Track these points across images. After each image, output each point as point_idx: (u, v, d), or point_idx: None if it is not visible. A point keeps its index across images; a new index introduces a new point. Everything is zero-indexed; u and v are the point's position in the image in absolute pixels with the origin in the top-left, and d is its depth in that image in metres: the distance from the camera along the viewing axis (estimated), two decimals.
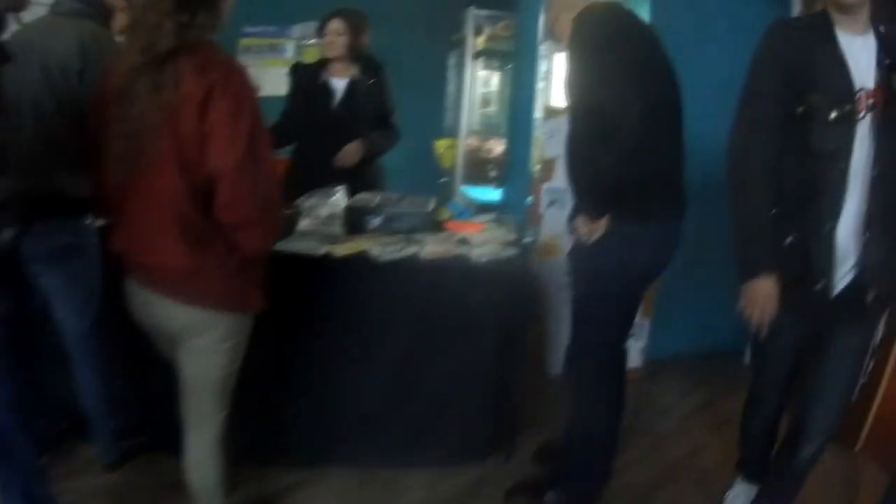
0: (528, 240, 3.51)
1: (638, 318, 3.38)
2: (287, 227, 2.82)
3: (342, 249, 2.79)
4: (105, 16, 2.59)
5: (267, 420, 2.73)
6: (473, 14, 5.75)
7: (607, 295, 2.52)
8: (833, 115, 2.09)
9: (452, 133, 5.93)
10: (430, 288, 2.74)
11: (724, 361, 4.49)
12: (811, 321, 2.34)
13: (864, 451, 3.51)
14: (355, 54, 3.82)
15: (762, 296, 2.19)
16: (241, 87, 1.99)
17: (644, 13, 3.65)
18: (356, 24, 3.80)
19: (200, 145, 1.95)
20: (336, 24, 3.77)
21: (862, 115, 2.09)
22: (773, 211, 2.19)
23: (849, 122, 2.10)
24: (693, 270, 4.08)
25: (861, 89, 2.10)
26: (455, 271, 2.76)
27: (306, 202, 3.17)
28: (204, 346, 2.18)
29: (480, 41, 5.79)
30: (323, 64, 3.88)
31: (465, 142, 5.81)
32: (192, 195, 2.00)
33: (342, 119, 3.77)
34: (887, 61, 2.11)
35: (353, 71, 3.82)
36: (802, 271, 2.20)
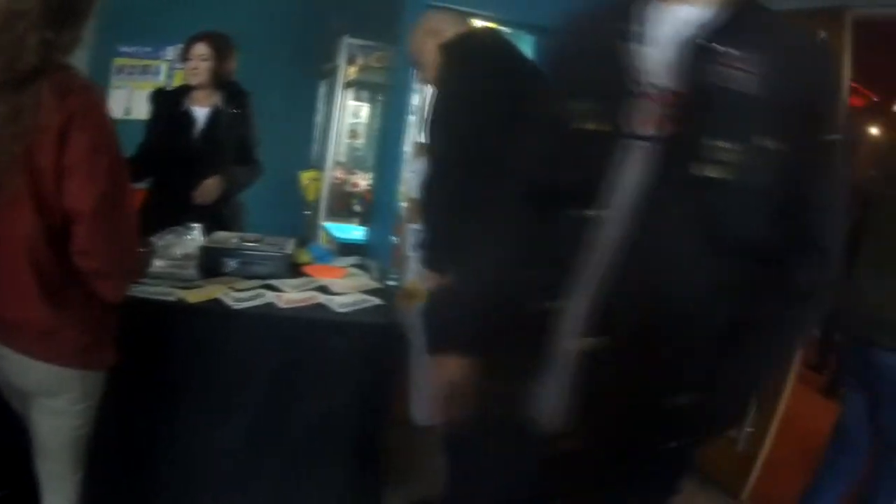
0: (392, 283, 3.45)
1: None
2: (140, 269, 2.67)
3: (195, 295, 2.65)
4: None
5: (124, 480, 2.54)
6: (348, 43, 5.69)
7: None
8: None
9: (319, 165, 5.83)
10: (288, 338, 2.61)
11: None
12: None
13: (750, 501, 3.65)
14: (220, 81, 3.65)
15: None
16: (102, 117, 1.83)
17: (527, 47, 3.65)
18: (221, 49, 3.63)
19: (57, 182, 1.78)
20: (200, 49, 3.58)
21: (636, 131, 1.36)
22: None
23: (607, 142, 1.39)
24: None
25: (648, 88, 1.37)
26: (314, 321, 2.65)
27: (160, 241, 3.03)
28: (58, 407, 2.01)
29: (352, 71, 5.74)
30: (185, 91, 3.69)
31: (331, 174, 5.74)
32: (49, 239, 1.83)
33: (202, 151, 3.60)
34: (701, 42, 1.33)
35: (217, 99, 3.67)
36: None
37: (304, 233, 5.33)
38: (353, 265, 3.32)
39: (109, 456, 2.25)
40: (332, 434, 2.71)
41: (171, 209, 3.35)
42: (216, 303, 2.63)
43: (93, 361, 2.02)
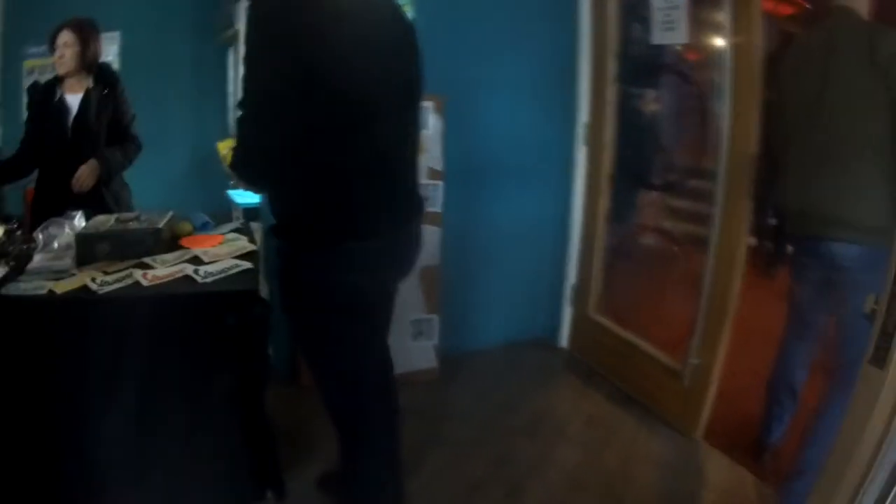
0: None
1: (424, 315, 3.32)
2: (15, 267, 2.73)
3: (63, 286, 2.70)
4: None
5: (12, 481, 2.62)
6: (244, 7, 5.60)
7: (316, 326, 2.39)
8: None
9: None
10: (155, 318, 2.63)
11: (527, 351, 4.55)
12: None
13: (703, 438, 3.54)
14: (88, 66, 3.70)
15: None
16: None
17: None
18: (85, 34, 3.67)
19: None
20: (64, 37, 3.63)
21: None
22: None
23: None
24: (482, 260, 4.20)
25: None
26: (177, 296, 2.66)
27: (40, 234, 3.08)
28: None
29: None
30: (58, 80, 3.73)
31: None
32: None
33: (78, 137, 3.66)
34: None
35: (88, 84, 3.71)
36: None
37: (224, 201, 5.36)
38: (234, 230, 3.36)
39: None
40: (215, 416, 2.73)
41: (55, 200, 3.40)
42: (83, 290, 2.66)
43: None
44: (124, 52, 4.94)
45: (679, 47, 3.98)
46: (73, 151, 3.62)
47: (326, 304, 2.29)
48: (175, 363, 2.66)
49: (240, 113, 2.04)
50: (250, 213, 4.16)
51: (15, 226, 3.37)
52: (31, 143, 3.70)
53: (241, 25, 5.60)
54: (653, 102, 4.57)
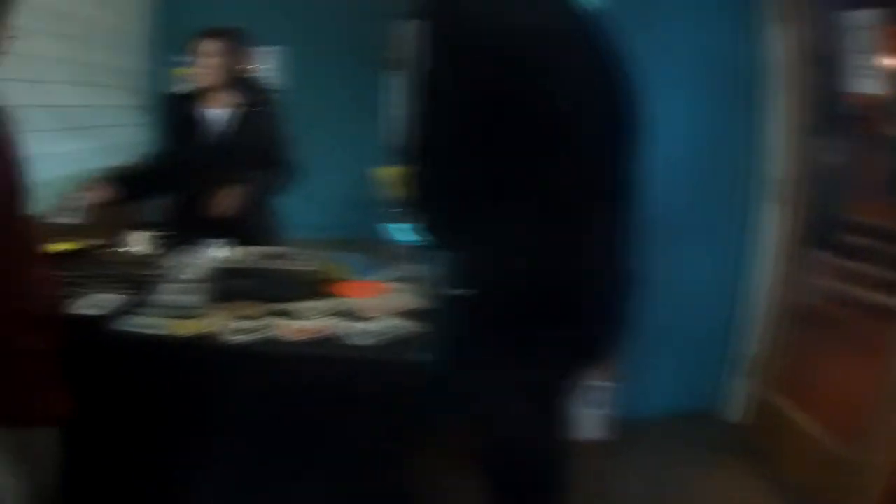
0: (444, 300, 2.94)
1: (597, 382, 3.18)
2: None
3: (188, 326, 2.22)
4: None
5: None
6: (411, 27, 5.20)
7: None
8: None
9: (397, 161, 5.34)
10: (290, 382, 2.11)
11: (692, 424, 4.05)
12: None
13: None
14: (234, 80, 3.24)
15: None
16: None
17: None
18: (230, 44, 3.21)
19: None
20: (207, 46, 3.16)
21: None
22: None
23: None
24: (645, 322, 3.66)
25: None
26: (325, 361, 2.13)
27: (168, 263, 2.63)
28: None
29: None
30: (198, 94, 3.28)
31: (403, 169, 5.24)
32: None
33: (221, 157, 3.20)
34: None
35: (234, 99, 3.26)
36: None
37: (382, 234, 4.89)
38: (400, 278, 2.78)
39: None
40: (349, 483, 2.17)
41: (190, 226, 2.99)
42: (210, 336, 2.18)
43: (5, 419, 1.67)
44: (282, 70, 4.67)
45: (873, 97, 3.45)
46: (213, 173, 3.16)
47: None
48: (299, 437, 2.13)
49: (418, 144, 1.74)
50: (412, 253, 3.61)
51: (163, 235, 2.99)
52: (163, 160, 3.29)
53: (402, 46, 5.21)
54: (841, 156, 3.95)
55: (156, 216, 3.41)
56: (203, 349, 2.15)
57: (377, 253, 3.16)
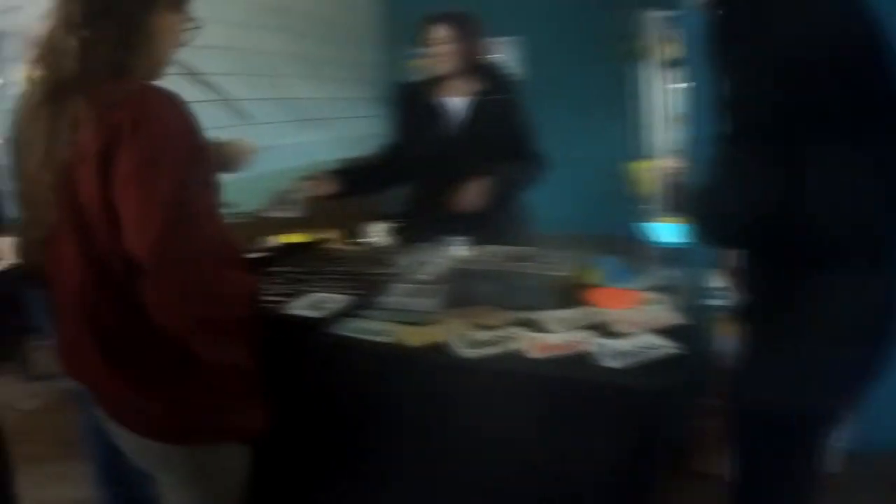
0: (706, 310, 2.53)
1: None
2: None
3: (419, 335, 1.97)
4: None
5: None
6: (651, 18, 4.98)
7: None
8: None
9: (646, 154, 5.02)
10: (534, 404, 1.77)
11: None
12: None
13: None
14: (472, 67, 2.97)
15: None
16: (158, 129, 1.36)
17: None
18: (464, 29, 2.94)
19: (105, 219, 1.37)
20: (439, 32, 2.92)
21: None
22: None
23: None
24: None
25: None
26: (572, 385, 1.79)
27: (402, 261, 2.41)
28: (171, 485, 1.62)
29: (668, 48, 4.88)
30: (433, 82, 3.05)
31: (660, 164, 4.89)
32: (107, 290, 1.42)
33: (462, 148, 2.94)
34: None
35: (472, 87, 2.99)
36: None
37: (632, 232, 4.50)
38: (657, 286, 2.36)
39: None
40: None
41: (429, 221, 2.78)
42: (442, 347, 1.92)
43: (196, 437, 1.52)
44: (519, 60, 4.42)
45: None
46: (452, 166, 2.91)
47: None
48: (544, 467, 1.80)
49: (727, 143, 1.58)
50: (673, 256, 3.21)
51: (401, 228, 2.86)
52: (397, 152, 3.12)
53: (651, 38, 4.86)
54: None
55: (394, 209, 3.23)
56: (433, 362, 1.90)
57: (629, 254, 2.79)
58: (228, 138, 2.11)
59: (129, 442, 1.59)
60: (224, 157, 1.99)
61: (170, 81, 1.55)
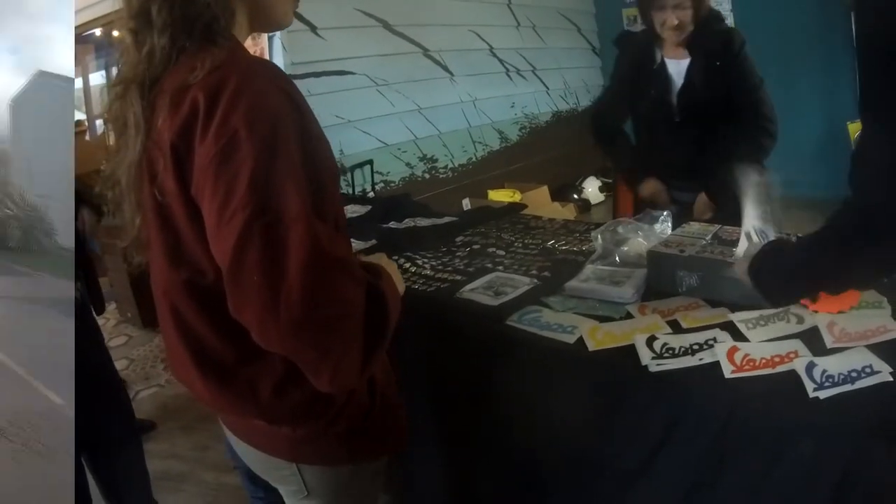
0: None
1: None
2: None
3: (602, 336, 1.79)
4: None
5: None
6: None
7: None
8: None
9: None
10: (732, 431, 1.53)
11: None
12: None
13: None
14: (697, 22, 2.64)
15: None
16: (240, 111, 1.09)
17: None
18: None
19: (189, 218, 1.18)
20: None
21: None
22: None
23: None
24: None
25: None
26: (783, 401, 1.51)
27: (600, 235, 2.22)
28: (285, 495, 1.50)
29: None
30: (655, 38, 2.76)
31: None
32: (197, 298, 1.24)
33: (686, 112, 2.69)
34: None
35: (696, 47, 2.68)
36: None
37: None
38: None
39: None
40: None
41: (647, 190, 2.72)
42: (626, 353, 1.71)
43: (309, 455, 1.40)
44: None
45: None
46: (678, 134, 2.69)
47: None
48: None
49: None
50: None
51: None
52: (615, 103, 2.96)
53: None
54: None
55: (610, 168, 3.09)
56: (616, 372, 1.72)
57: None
58: None
59: (239, 447, 1.52)
60: None
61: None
